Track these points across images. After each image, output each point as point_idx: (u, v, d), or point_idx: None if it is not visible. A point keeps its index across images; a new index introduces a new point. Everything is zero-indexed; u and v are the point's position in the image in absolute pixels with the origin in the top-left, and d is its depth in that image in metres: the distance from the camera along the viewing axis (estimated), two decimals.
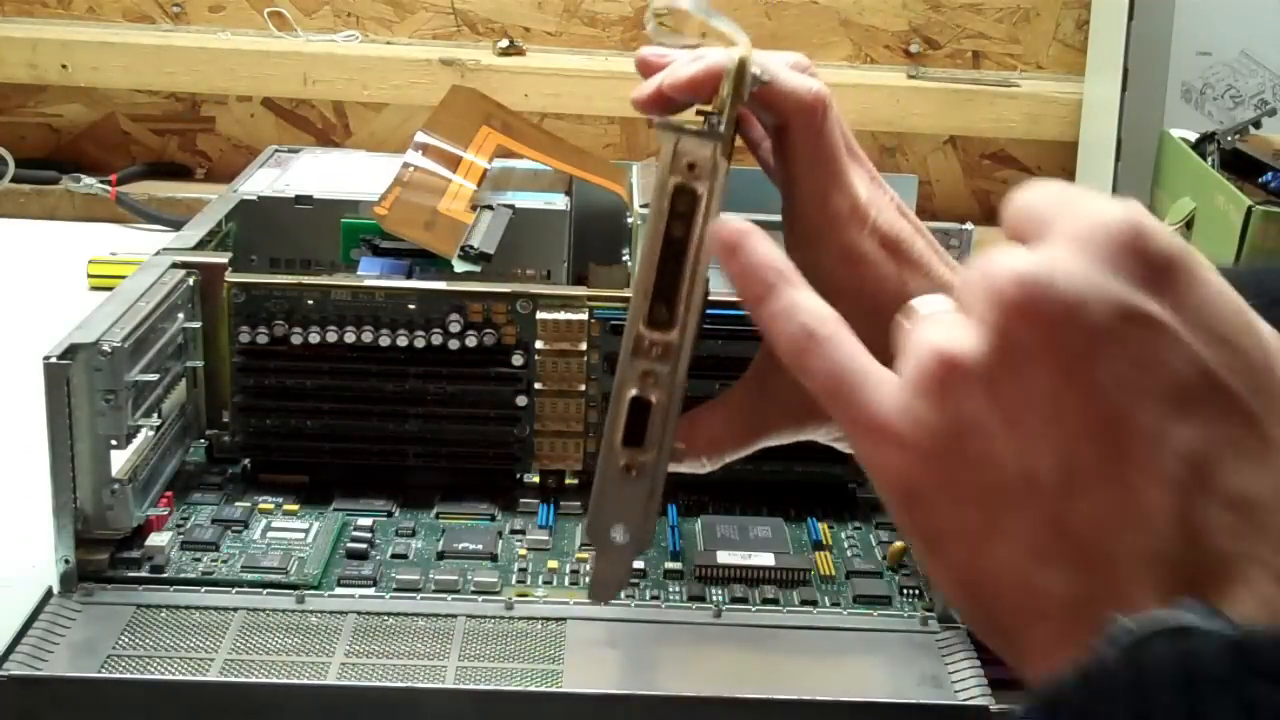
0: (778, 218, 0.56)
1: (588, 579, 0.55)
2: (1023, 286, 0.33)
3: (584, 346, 0.80)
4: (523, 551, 0.77)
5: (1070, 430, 0.33)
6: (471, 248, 0.85)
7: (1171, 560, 0.32)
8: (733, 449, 0.59)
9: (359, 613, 0.70)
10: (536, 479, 0.83)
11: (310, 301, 0.80)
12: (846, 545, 0.79)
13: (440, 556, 0.76)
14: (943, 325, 0.35)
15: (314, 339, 0.80)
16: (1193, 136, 1.34)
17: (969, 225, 0.92)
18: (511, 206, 0.95)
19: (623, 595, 0.73)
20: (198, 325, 0.81)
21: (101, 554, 0.72)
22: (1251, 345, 0.34)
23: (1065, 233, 0.34)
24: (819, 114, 0.54)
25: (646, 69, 0.57)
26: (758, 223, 0.43)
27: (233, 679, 0.65)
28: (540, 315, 0.80)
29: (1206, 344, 0.33)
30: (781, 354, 0.39)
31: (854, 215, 0.54)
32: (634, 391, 0.50)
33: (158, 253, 0.84)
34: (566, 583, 0.74)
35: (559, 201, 0.99)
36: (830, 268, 0.53)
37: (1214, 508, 0.32)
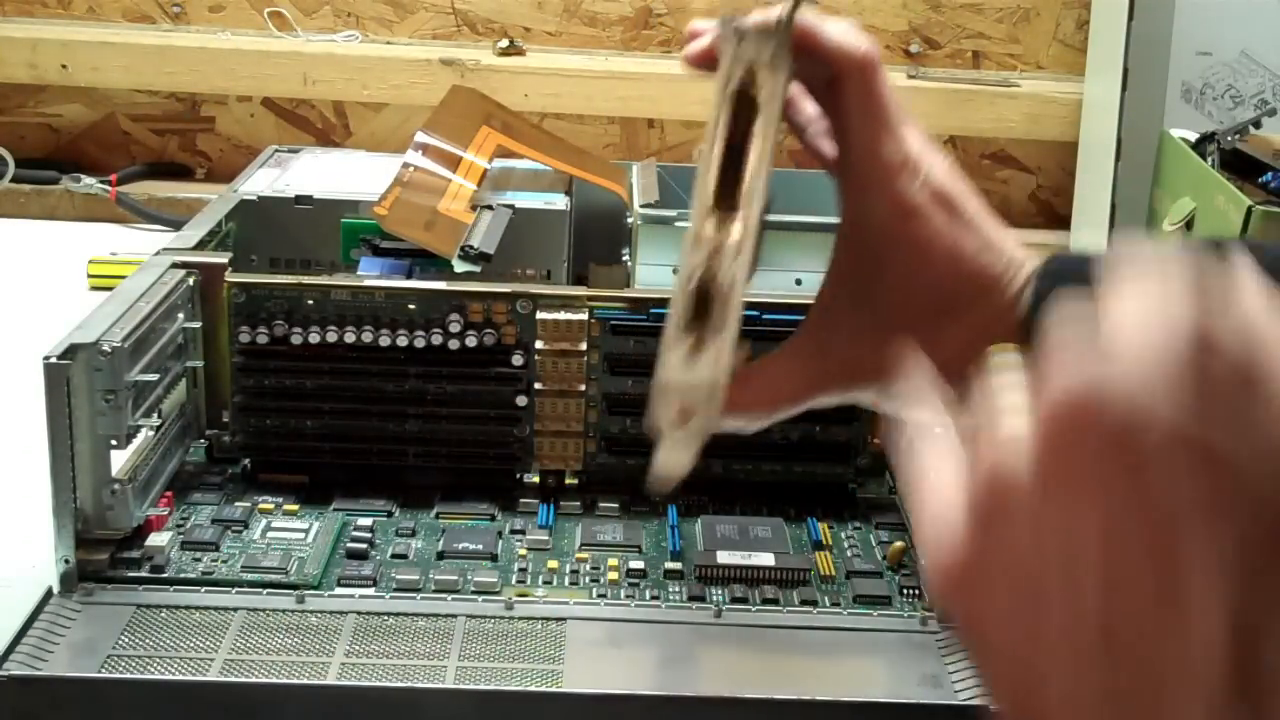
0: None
1: (652, 467, 0.55)
2: (1074, 402, 0.31)
3: (584, 346, 0.80)
4: (523, 551, 0.77)
5: (1117, 581, 0.30)
6: (471, 248, 0.85)
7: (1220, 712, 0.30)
8: (787, 403, 0.60)
9: (359, 613, 0.70)
10: (536, 479, 0.83)
11: (310, 301, 0.80)
12: (846, 545, 0.79)
13: (440, 556, 0.76)
14: (1001, 441, 0.33)
15: (314, 339, 0.80)
16: (1193, 136, 1.34)
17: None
18: (511, 206, 0.95)
19: (623, 595, 0.73)
20: (198, 325, 0.81)
21: (101, 554, 0.72)
22: None
23: (1129, 339, 0.31)
24: (871, 67, 0.57)
25: (695, 37, 0.58)
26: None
27: (233, 679, 0.65)
28: (540, 315, 0.80)
29: (1265, 474, 0.30)
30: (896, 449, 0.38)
31: (906, 167, 0.56)
32: (695, 281, 0.50)
33: (158, 253, 0.84)
34: (566, 583, 0.74)
35: (559, 201, 0.99)
36: (883, 218, 0.56)
37: (1266, 660, 0.30)
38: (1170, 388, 0.30)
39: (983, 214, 0.57)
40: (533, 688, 0.65)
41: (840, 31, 0.57)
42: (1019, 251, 0.57)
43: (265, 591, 0.72)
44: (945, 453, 0.36)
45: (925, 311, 0.55)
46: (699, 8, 1.60)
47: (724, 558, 0.75)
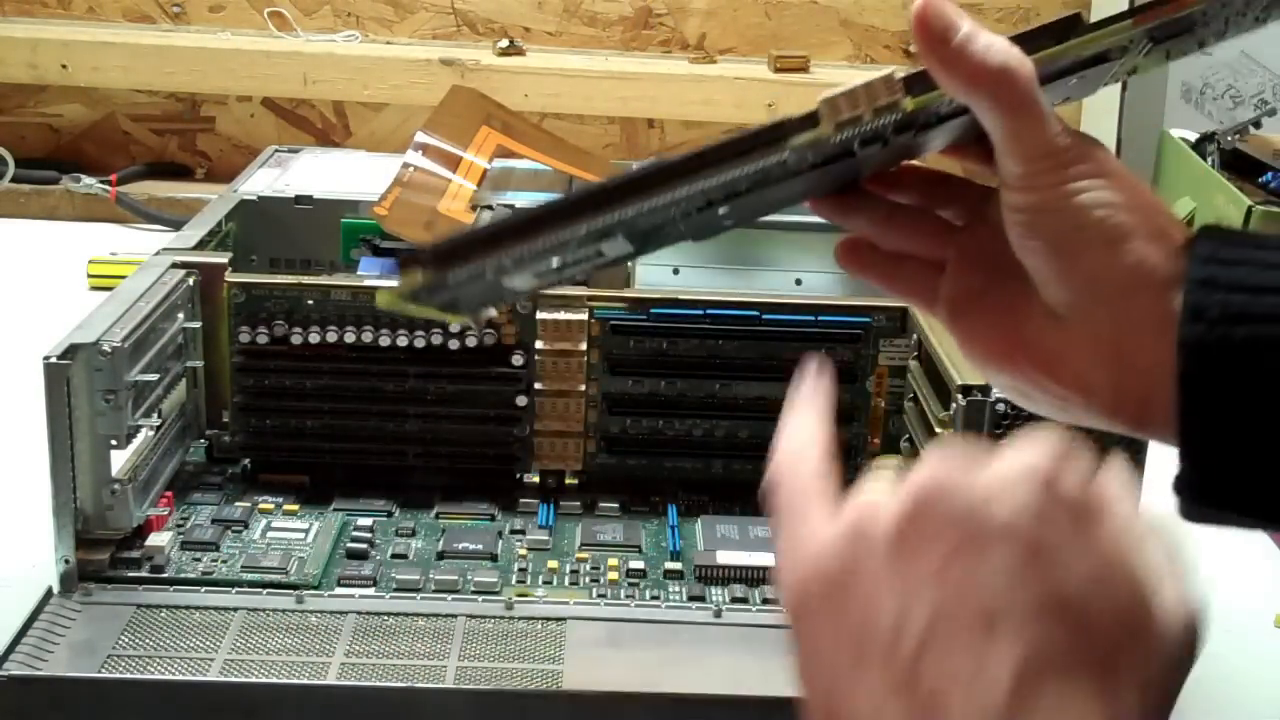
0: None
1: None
2: (933, 485, 0.38)
3: (584, 346, 0.80)
4: (523, 551, 0.77)
5: (942, 605, 0.37)
6: None
7: None
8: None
9: (359, 613, 0.70)
10: (536, 479, 0.83)
11: (310, 301, 0.80)
12: None
13: (440, 556, 0.76)
14: (883, 487, 0.40)
15: (314, 339, 0.80)
16: (1193, 136, 1.34)
17: None
18: (511, 206, 0.95)
19: (623, 595, 0.73)
20: (198, 325, 0.81)
21: (101, 554, 0.72)
22: (1126, 586, 0.37)
23: (998, 462, 0.38)
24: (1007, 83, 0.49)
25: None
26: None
27: (233, 679, 0.65)
28: (540, 315, 0.80)
29: (1082, 573, 0.37)
30: (775, 452, 0.43)
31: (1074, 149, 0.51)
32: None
33: (158, 253, 0.84)
34: (566, 583, 0.74)
35: None
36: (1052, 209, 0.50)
37: (1041, 710, 0.35)
38: (1017, 497, 0.37)
39: (1152, 198, 0.50)
40: (533, 688, 0.65)
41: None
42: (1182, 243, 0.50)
43: (265, 591, 0.72)
44: (816, 483, 0.42)
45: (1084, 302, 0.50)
46: (699, 8, 1.60)
47: (724, 558, 0.75)
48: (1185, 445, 0.47)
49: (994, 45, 0.47)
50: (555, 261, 0.46)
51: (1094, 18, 0.49)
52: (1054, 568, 0.37)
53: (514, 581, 0.74)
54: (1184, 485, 0.47)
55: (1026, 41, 0.48)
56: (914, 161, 0.54)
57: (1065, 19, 0.49)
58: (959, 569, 0.37)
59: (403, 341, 0.80)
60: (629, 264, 0.97)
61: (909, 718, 0.37)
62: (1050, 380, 0.50)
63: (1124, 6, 1.42)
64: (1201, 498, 0.47)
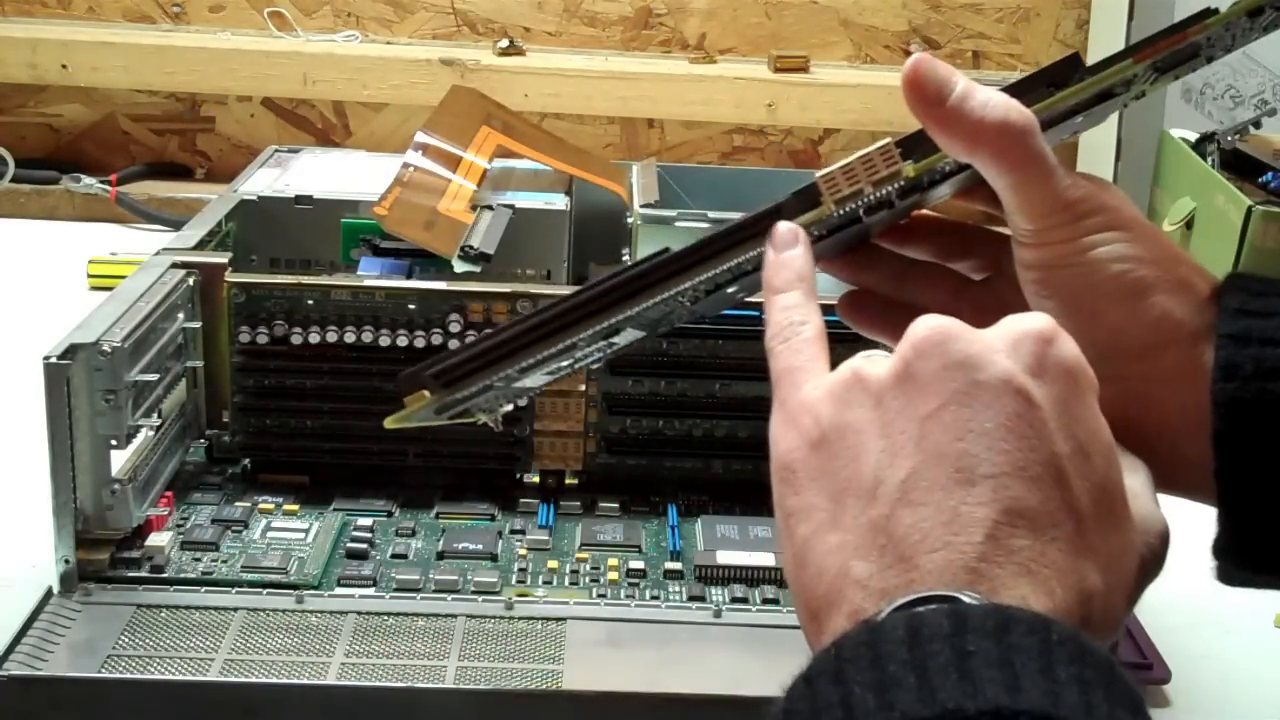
0: None
1: None
2: (933, 331, 0.39)
3: None
4: (523, 551, 0.77)
5: (927, 452, 0.37)
6: (471, 248, 0.85)
7: (967, 576, 0.36)
8: None
9: (359, 613, 0.70)
10: (536, 479, 0.83)
11: (310, 301, 0.80)
12: None
13: (440, 556, 0.76)
14: (871, 356, 0.40)
15: (314, 339, 0.80)
16: (1193, 136, 1.34)
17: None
18: (511, 206, 0.95)
19: (622, 595, 0.73)
20: (198, 325, 0.81)
21: (101, 554, 0.72)
22: (1103, 467, 0.38)
23: (997, 325, 0.40)
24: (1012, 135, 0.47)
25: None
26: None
27: (233, 679, 0.65)
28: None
29: (1066, 440, 0.37)
30: (767, 333, 0.44)
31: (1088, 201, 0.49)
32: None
33: (158, 253, 0.84)
34: (566, 583, 0.74)
35: (559, 201, 0.99)
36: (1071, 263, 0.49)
37: (1012, 563, 0.36)
38: (1018, 348, 0.38)
39: (1173, 249, 0.48)
40: (533, 688, 0.65)
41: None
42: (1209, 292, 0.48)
43: (265, 591, 0.72)
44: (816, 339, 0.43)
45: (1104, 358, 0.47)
46: (699, 8, 1.60)
47: (724, 558, 0.75)
48: (1224, 507, 0.45)
49: (991, 101, 0.46)
50: (565, 361, 0.47)
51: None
52: (1042, 430, 0.37)
53: (514, 581, 0.74)
54: (1223, 550, 0.45)
55: (1025, 90, 0.46)
56: (925, 211, 0.52)
57: (1064, 61, 0.47)
58: (949, 416, 0.37)
59: (403, 341, 0.80)
60: (627, 264, 0.97)
61: (877, 569, 0.37)
62: None
63: (1125, 7, 1.42)
64: (1243, 561, 0.45)
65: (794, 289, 0.44)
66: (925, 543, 0.36)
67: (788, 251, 0.45)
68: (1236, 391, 0.44)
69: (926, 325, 0.39)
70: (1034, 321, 0.39)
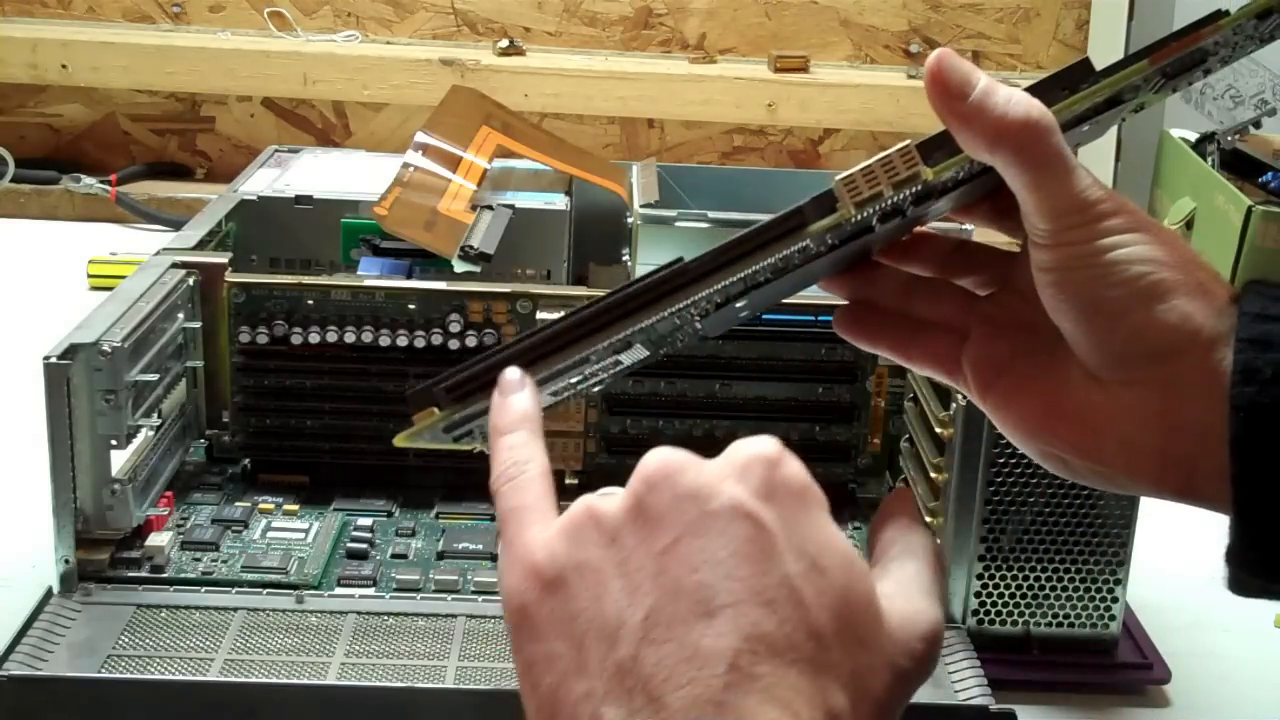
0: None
1: None
2: (663, 464, 0.39)
3: None
4: None
5: (664, 588, 0.37)
6: (471, 248, 0.85)
7: (714, 709, 0.36)
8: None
9: (359, 613, 0.70)
10: None
11: (310, 301, 0.80)
12: None
13: (440, 556, 0.76)
14: (604, 493, 0.40)
15: (314, 339, 0.80)
16: (1193, 136, 1.34)
17: (969, 225, 0.92)
18: (511, 206, 0.95)
19: None
20: (198, 325, 0.81)
21: (101, 554, 0.72)
22: (841, 580, 0.38)
23: (725, 451, 0.40)
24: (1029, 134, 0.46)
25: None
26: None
27: (233, 679, 0.65)
28: (540, 315, 0.80)
29: (798, 559, 0.38)
30: (492, 474, 0.45)
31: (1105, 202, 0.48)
32: None
33: (158, 253, 0.84)
34: None
35: (559, 201, 0.99)
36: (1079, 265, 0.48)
37: (756, 690, 0.36)
38: (745, 474, 0.39)
39: (1191, 253, 0.47)
40: None
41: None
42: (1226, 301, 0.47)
43: (265, 591, 0.72)
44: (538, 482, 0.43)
45: (1110, 365, 0.47)
46: (699, 8, 1.60)
47: None
48: (1239, 514, 0.44)
49: (1015, 98, 0.45)
50: (574, 378, 0.47)
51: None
52: (773, 552, 0.38)
53: None
54: (1237, 557, 0.45)
55: (1040, 93, 0.46)
56: (925, 229, 0.51)
57: (1074, 66, 0.47)
58: (684, 548, 0.38)
59: (403, 341, 0.80)
60: (628, 264, 0.97)
61: (628, 713, 0.36)
62: (1093, 447, 0.47)
63: (1125, 7, 1.42)
64: (1256, 570, 0.45)
65: (519, 429, 0.45)
66: (671, 680, 0.36)
67: (513, 394, 0.45)
68: (1255, 396, 0.43)
69: (657, 458, 0.39)
70: (760, 446, 0.40)
